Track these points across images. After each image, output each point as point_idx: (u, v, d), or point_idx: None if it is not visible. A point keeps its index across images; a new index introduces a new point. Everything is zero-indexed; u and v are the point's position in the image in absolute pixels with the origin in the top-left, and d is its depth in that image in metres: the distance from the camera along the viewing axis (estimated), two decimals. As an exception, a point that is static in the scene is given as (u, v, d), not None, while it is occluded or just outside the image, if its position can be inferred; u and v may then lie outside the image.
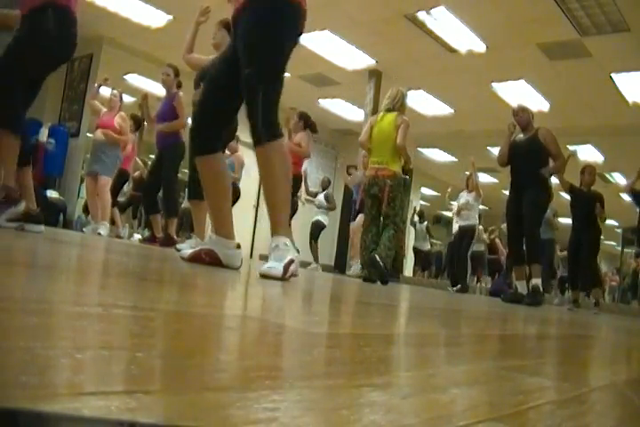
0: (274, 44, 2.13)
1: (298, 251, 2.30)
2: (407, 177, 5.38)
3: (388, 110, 4.92)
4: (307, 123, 6.00)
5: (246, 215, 9.67)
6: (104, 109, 6.08)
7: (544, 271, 5.38)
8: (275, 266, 1.93)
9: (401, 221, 5.05)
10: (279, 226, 2.09)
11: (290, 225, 2.14)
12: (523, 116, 4.93)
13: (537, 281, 4.74)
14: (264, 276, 1.91)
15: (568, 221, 6.73)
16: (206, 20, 4.13)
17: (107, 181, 5.85)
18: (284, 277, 1.93)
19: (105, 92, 6.43)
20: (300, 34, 2.21)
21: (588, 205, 6.02)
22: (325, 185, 8.68)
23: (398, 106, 4.90)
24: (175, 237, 5.28)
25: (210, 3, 4.11)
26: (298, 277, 2.41)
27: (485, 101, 8.96)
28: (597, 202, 6.01)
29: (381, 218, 4.87)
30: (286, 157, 2.15)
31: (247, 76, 2.08)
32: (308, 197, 8.40)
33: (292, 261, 1.99)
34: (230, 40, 2.33)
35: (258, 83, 2.07)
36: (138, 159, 7.73)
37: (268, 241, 2.11)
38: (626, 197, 6.61)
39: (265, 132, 2.05)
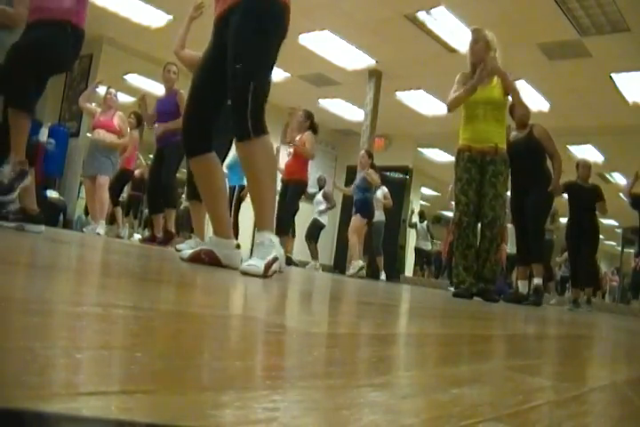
0: (267, 40, 2.14)
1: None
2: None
3: None
4: (311, 122, 5.93)
5: (247, 215, 9.62)
6: (99, 110, 6.07)
7: None
8: (256, 263, 1.93)
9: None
10: (265, 222, 2.11)
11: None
12: (527, 116, 4.95)
13: (538, 280, 4.77)
14: (244, 273, 1.91)
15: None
16: (199, 16, 4.14)
17: (105, 181, 5.84)
18: (266, 275, 1.93)
19: (99, 91, 6.42)
20: (286, 30, 2.23)
21: (588, 198, 6.03)
22: (322, 184, 8.62)
23: None
24: (174, 230, 5.26)
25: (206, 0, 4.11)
26: (284, 275, 2.41)
27: (485, 101, 8.94)
28: (597, 195, 6.02)
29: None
30: (272, 154, 2.16)
31: (237, 71, 2.07)
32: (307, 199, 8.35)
33: (275, 259, 1.99)
34: (213, 38, 2.31)
35: (250, 79, 2.07)
36: (141, 157, 7.72)
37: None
38: (626, 198, 6.61)
39: (253, 128, 2.05)
